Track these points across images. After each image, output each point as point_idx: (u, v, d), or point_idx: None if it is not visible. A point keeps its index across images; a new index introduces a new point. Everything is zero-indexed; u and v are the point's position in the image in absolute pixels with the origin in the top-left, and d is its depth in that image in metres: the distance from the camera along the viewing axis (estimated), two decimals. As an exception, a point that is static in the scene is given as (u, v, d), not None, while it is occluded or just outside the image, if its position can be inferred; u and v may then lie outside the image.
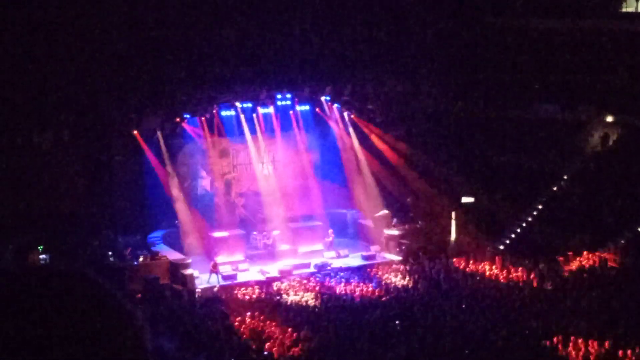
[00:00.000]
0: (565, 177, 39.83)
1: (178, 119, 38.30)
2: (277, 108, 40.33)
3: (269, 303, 30.25)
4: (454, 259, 35.48)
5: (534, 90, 42.68)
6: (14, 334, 1.47)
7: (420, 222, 39.65)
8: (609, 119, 40.69)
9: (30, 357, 1.47)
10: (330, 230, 39.40)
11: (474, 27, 42.71)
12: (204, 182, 39.59)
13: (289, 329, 25.48)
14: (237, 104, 39.22)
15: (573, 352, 23.14)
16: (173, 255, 35.55)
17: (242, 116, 39.45)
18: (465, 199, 39.11)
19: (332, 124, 41.99)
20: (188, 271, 34.05)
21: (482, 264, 34.42)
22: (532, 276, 31.90)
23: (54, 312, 1.51)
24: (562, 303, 28.29)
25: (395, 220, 39.62)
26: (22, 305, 1.51)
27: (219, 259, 36.08)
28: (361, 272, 35.41)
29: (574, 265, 32.87)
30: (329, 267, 36.09)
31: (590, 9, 42.43)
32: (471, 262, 34.86)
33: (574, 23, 41.63)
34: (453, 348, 23.70)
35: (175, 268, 34.29)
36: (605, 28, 41.26)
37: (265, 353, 23.79)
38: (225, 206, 39.86)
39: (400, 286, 32.40)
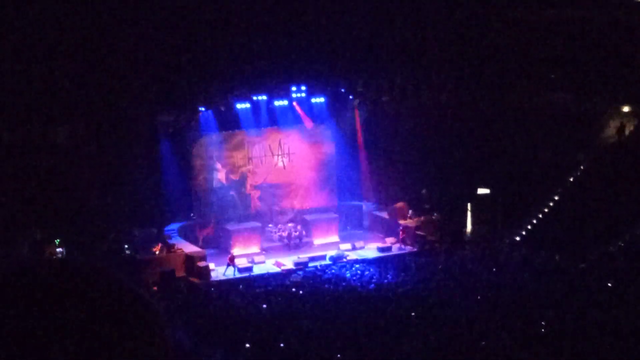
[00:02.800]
0: (581, 168, 39.66)
1: (193, 112, 38.38)
2: (292, 100, 40.34)
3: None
4: None
5: (549, 80, 42.45)
6: (30, 329, 1.46)
7: (435, 214, 39.59)
8: (626, 109, 40.45)
9: (47, 352, 1.47)
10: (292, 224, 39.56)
11: (487, 18, 42.51)
12: (220, 175, 39.61)
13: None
14: (253, 97, 39.26)
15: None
16: (189, 248, 35.68)
17: (257, 109, 39.50)
18: (481, 191, 39.04)
19: (346, 115, 42.04)
20: (204, 264, 34.19)
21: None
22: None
23: (73, 306, 1.50)
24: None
25: (410, 211, 39.57)
26: (40, 299, 1.50)
27: (235, 251, 36.21)
28: (377, 264, 35.44)
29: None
30: (344, 259, 36.14)
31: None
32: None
33: (590, 12, 41.36)
34: (469, 340, 23.66)
35: (191, 261, 34.42)
36: (622, 17, 40.98)
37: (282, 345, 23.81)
38: (240, 199, 39.94)
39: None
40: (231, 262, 34.53)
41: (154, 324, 1.76)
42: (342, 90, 41.17)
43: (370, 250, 37.86)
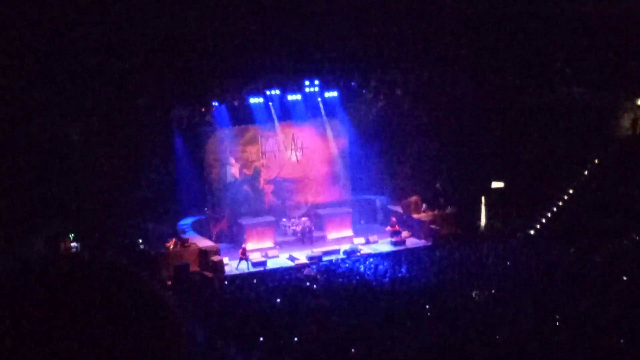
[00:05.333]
0: (595, 161, 39.47)
1: (207, 107, 38.46)
2: (305, 94, 40.32)
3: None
4: None
5: (563, 74, 42.22)
6: (46, 324, 1.47)
7: (449, 208, 39.51)
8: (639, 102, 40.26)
9: (63, 346, 1.47)
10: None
11: (502, 12, 42.29)
12: (233, 170, 39.68)
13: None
14: (266, 91, 39.27)
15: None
16: (202, 243, 35.74)
17: (270, 103, 39.52)
18: (495, 184, 38.93)
19: (360, 109, 41.97)
20: (217, 258, 34.24)
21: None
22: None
23: (88, 302, 1.50)
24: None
25: (424, 205, 39.49)
26: (55, 295, 1.51)
27: (249, 245, 36.26)
28: (390, 258, 35.41)
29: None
30: (358, 254, 36.13)
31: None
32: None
33: (604, 5, 41.11)
34: (483, 334, 23.61)
35: (204, 255, 34.48)
36: (636, 9, 40.68)
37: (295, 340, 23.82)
38: (254, 193, 39.99)
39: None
40: (243, 255, 34.59)
41: (170, 320, 1.76)
42: (355, 84, 41.12)
43: (384, 244, 37.82)
